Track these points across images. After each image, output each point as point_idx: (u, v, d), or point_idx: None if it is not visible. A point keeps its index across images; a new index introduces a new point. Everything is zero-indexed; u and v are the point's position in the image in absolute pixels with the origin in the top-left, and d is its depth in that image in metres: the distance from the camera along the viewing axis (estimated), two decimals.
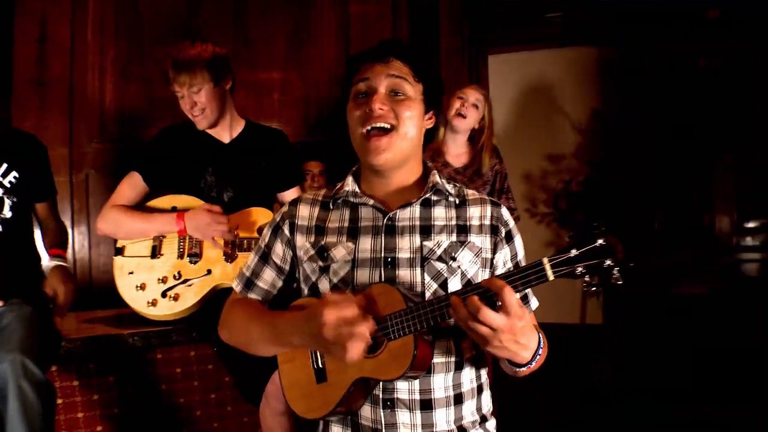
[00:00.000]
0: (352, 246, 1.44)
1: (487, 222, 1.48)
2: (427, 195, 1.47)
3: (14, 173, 2.21)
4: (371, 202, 1.48)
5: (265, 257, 1.56)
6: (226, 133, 2.54)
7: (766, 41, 3.58)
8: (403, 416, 1.37)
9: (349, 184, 1.51)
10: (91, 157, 3.70)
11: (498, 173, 3.13)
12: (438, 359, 1.39)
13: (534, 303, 1.53)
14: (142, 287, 2.32)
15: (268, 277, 1.56)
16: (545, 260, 1.22)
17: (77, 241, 3.67)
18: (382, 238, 1.44)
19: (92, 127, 3.74)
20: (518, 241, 1.52)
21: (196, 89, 2.37)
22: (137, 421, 2.30)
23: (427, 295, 1.39)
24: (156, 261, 2.35)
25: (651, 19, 3.78)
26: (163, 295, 2.31)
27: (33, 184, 2.27)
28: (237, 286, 1.59)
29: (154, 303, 2.30)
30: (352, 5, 4.21)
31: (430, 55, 4.33)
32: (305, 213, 1.53)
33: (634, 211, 3.85)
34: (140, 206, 2.45)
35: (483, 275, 1.45)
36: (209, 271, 2.34)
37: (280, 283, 1.56)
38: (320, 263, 1.45)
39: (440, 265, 1.42)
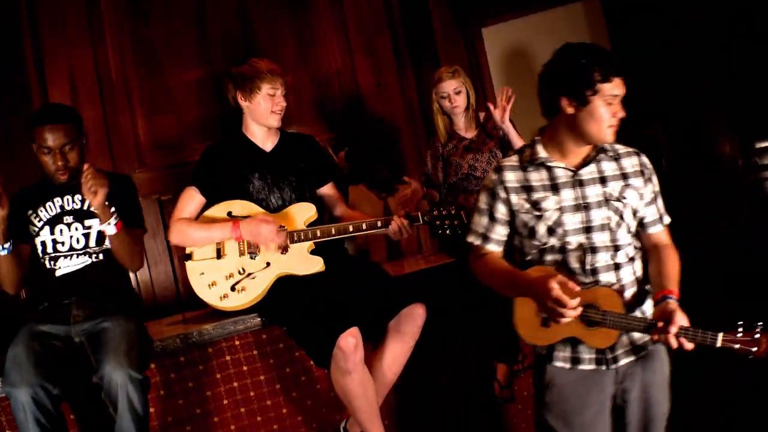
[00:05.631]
0: (557, 197, 2.01)
1: (638, 168, 2.06)
2: (597, 155, 2.03)
3: (111, 209, 2.48)
4: (562, 164, 2.03)
5: (492, 216, 2.11)
6: (268, 141, 2.88)
7: None
8: None
9: (541, 152, 2.05)
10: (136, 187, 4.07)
11: (494, 126, 3.32)
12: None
13: (666, 220, 2.12)
14: (213, 284, 2.68)
15: (499, 230, 2.11)
16: (720, 335, 1.85)
17: None
18: (576, 189, 2.01)
19: (132, 161, 4.10)
20: (655, 179, 2.09)
21: (282, 91, 2.80)
22: (230, 399, 2.69)
23: (612, 224, 2.00)
24: (221, 261, 2.70)
25: None
26: (232, 289, 2.66)
27: (125, 217, 2.54)
28: (476, 241, 2.15)
29: (225, 297, 2.67)
30: None
31: (426, 38, 4.61)
32: (512, 177, 2.07)
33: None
34: (200, 215, 2.80)
35: (641, 204, 2.05)
36: (268, 264, 2.68)
37: (506, 232, 2.11)
38: (535, 213, 2.02)
39: (617, 204, 2.01)
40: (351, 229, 2.70)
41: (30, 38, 4.07)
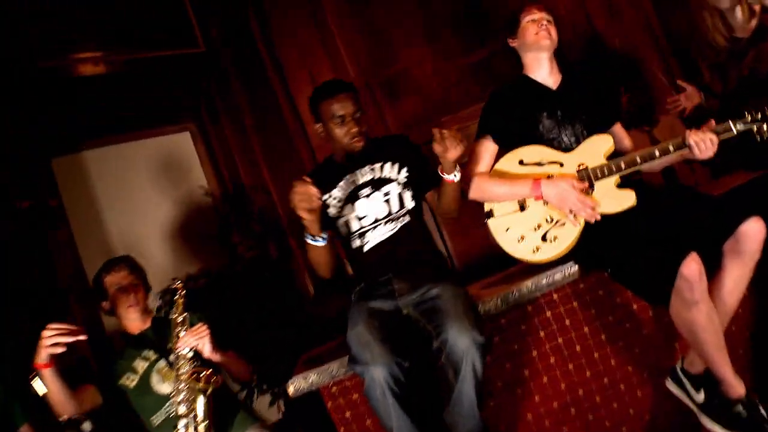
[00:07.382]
0: None
1: None
2: None
3: (405, 170, 2.56)
4: None
5: None
6: (551, 79, 2.71)
7: None
8: None
9: None
10: None
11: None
12: None
13: None
14: (522, 239, 2.54)
15: None
16: None
17: None
18: None
19: None
20: None
21: (542, 13, 2.72)
22: (556, 356, 2.54)
23: None
24: (525, 212, 2.56)
25: None
26: (543, 239, 2.51)
27: (420, 176, 2.59)
28: None
29: (537, 249, 2.51)
30: None
31: None
32: None
33: None
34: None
35: None
36: None
37: None
38: None
39: None
40: (657, 153, 2.44)
41: (269, 59, 4.40)
